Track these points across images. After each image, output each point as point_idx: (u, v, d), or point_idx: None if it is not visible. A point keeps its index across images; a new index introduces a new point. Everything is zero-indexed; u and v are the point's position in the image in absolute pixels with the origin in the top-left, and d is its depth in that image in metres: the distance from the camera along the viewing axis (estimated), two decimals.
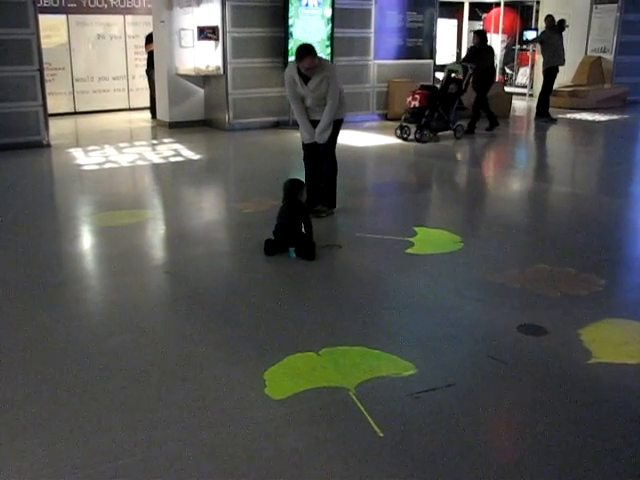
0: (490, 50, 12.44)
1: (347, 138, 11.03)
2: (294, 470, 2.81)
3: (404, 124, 11.32)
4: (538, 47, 14.81)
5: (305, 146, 6.60)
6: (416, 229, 6.14)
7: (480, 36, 12.39)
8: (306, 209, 5.76)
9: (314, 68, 6.18)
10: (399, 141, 11.24)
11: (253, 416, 3.20)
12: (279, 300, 4.66)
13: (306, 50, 6.17)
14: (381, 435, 3.04)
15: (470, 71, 11.48)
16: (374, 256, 5.58)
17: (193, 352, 3.86)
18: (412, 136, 11.15)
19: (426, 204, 7.66)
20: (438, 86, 11.72)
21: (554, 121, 13.91)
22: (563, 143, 12.71)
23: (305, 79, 6.24)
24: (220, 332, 4.12)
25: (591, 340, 4.02)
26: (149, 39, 13.00)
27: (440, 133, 11.41)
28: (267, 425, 3.13)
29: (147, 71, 13.38)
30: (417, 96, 10.98)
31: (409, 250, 5.61)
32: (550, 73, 13.72)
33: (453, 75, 11.56)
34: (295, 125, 12.05)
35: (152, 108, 13.34)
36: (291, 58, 11.89)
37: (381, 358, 3.77)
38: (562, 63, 13.80)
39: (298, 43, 11.85)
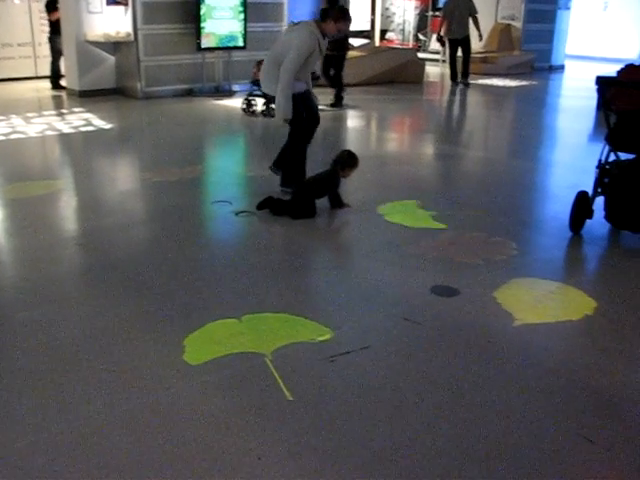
0: None
1: (261, 105, 10.97)
2: (210, 437, 2.83)
3: (250, 98, 10.56)
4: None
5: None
6: None
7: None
8: (337, 184, 5.76)
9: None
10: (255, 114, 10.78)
11: (170, 384, 3.21)
12: (199, 268, 4.65)
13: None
14: (291, 399, 3.10)
15: None
16: (299, 226, 5.59)
17: (109, 323, 3.82)
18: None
19: None
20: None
21: (456, 84, 14.42)
22: (473, 108, 12.97)
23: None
24: (137, 302, 4.08)
25: (505, 301, 4.16)
26: (50, 6, 12.36)
27: None
28: (183, 392, 3.14)
29: (50, 38, 12.78)
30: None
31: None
32: (451, 44, 14.30)
33: None
34: (209, 93, 12.02)
35: (53, 77, 12.78)
36: (204, 24, 11.74)
37: (300, 324, 3.82)
38: (459, 36, 14.11)
39: (210, 9, 11.76)
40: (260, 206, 5.70)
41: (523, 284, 4.46)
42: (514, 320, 3.91)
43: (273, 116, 9.92)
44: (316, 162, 6.41)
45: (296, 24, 6.10)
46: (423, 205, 6.10)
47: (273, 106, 10.11)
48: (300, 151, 6.25)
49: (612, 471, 2.71)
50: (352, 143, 9.28)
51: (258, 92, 10.19)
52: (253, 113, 10.49)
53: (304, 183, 5.84)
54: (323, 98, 10.50)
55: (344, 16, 5.96)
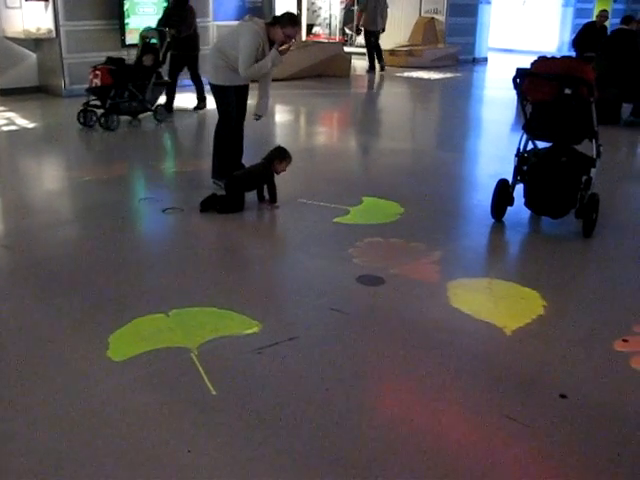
0: (191, 10, 10.38)
1: (188, 102, 10.92)
2: (139, 433, 2.84)
3: (88, 108, 9.14)
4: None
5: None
6: None
7: None
8: (271, 177, 5.80)
9: (293, 38, 6.07)
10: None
11: (95, 381, 3.20)
12: (126, 265, 4.62)
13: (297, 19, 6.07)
14: (214, 393, 3.12)
15: (169, 38, 9.57)
16: (227, 221, 5.60)
17: (34, 322, 3.77)
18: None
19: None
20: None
21: (374, 74, 15.58)
22: (399, 101, 13.15)
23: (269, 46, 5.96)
24: (63, 300, 4.04)
25: (453, 294, 4.24)
26: None
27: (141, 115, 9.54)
28: (109, 389, 3.14)
29: None
30: (98, 72, 8.92)
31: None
32: (365, 35, 15.65)
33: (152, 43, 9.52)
34: None
35: None
36: (128, 20, 11.59)
37: (228, 317, 3.84)
38: (377, 28, 15.43)
39: (134, 4, 11.61)
40: (204, 206, 5.68)
41: (463, 284, 4.41)
42: (504, 329, 3.81)
43: (113, 129, 8.87)
44: (246, 157, 6.43)
45: (248, 20, 6.05)
46: (351, 201, 6.18)
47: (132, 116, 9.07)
48: (227, 142, 6.26)
49: (531, 445, 2.83)
50: (281, 138, 9.32)
51: (96, 101, 9.13)
52: (92, 127, 9.12)
53: (234, 176, 5.83)
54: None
55: (291, 22, 5.94)
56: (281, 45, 5.97)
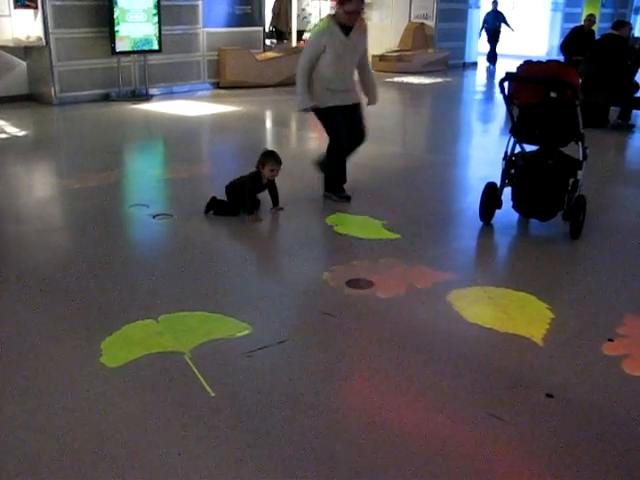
0: None
1: (179, 108, 10.98)
2: (130, 437, 2.86)
3: None
4: None
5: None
6: None
7: None
8: (252, 184, 5.68)
9: (359, 14, 5.70)
10: (233, 108, 11.17)
11: (89, 386, 3.21)
12: (116, 271, 4.63)
13: None
14: (213, 395, 3.15)
15: None
16: (219, 227, 5.63)
17: (24, 331, 3.76)
18: None
19: None
20: None
21: None
22: (389, 106, 13.18)
23: (346, 32, 5.71)
24: (54, 308, 4.05)
25: (461, 309, 4.27)
26: None
27: None
28: (102, 395, 3.15)
29: None
30: None
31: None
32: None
33: None
34: (126, 97, 11.90)
35: None
36: (118, 27, 11.61)
37: (218, 321, 3.87)
38: (286, 29, 17.23)
39: (124, 12, 11.64)
40: (207, 209, 5.74)
41: (461, 294, 4.32)
42: (535, 343, 3.72)
43: None
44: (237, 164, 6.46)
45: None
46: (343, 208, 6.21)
47: None
48: (337, 162, 6.17)
49: (517, 444, 2.86)
50: (271, 144, 9.35)
51: None
52: None
53: (231, 183, 5.82)
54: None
55: None
56: (352, 22, 5.70)
